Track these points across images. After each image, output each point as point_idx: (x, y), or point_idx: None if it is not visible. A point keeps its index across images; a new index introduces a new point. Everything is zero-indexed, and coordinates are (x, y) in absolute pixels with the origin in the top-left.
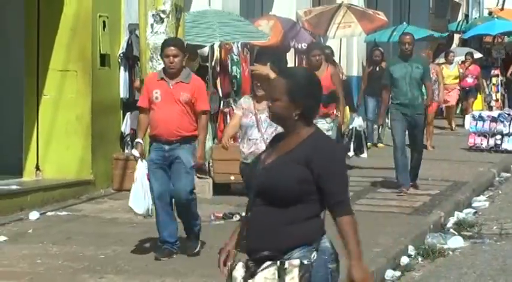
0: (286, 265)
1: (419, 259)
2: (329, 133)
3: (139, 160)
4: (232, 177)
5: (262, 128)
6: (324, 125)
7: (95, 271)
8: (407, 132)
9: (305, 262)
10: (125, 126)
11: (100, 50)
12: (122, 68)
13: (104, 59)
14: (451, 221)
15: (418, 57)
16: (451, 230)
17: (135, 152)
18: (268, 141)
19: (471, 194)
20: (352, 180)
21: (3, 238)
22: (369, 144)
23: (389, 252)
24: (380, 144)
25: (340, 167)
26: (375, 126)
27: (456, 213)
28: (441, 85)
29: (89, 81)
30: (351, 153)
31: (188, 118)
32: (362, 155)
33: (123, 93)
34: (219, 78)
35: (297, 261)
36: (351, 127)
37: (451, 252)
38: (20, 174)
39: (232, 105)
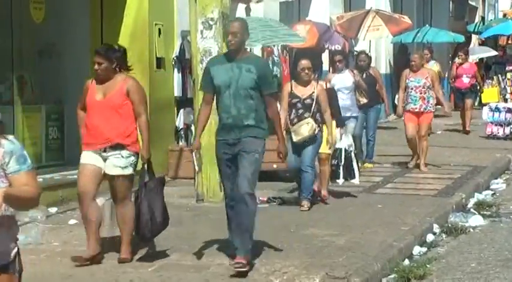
0: None
1: (444, 236)
2: (127, 171)
3: None
4: (274, 166)
5: None
6: (118, 159)
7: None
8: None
9: None
10: (179, 121)
11: (156, 54)
12: (175, 69)
13: (160, 62)
14: (472, 201)
15: (252, 56)
16: (472, 210)
17: None
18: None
19: (489, 177)
20: (381, 166)
21: (74, 221)
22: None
23: (416, 230)
24: (367, 164)
25: None
26: (364, 140)
27: (476, 194)
28: (438, 92)
29: (147, 81)
30: (341, 180)
31: None
32: (353, 181)
33: (176, 92)
34: None
35: None
36: (337, 147)
37: (472, 230)
38: None
39: None
